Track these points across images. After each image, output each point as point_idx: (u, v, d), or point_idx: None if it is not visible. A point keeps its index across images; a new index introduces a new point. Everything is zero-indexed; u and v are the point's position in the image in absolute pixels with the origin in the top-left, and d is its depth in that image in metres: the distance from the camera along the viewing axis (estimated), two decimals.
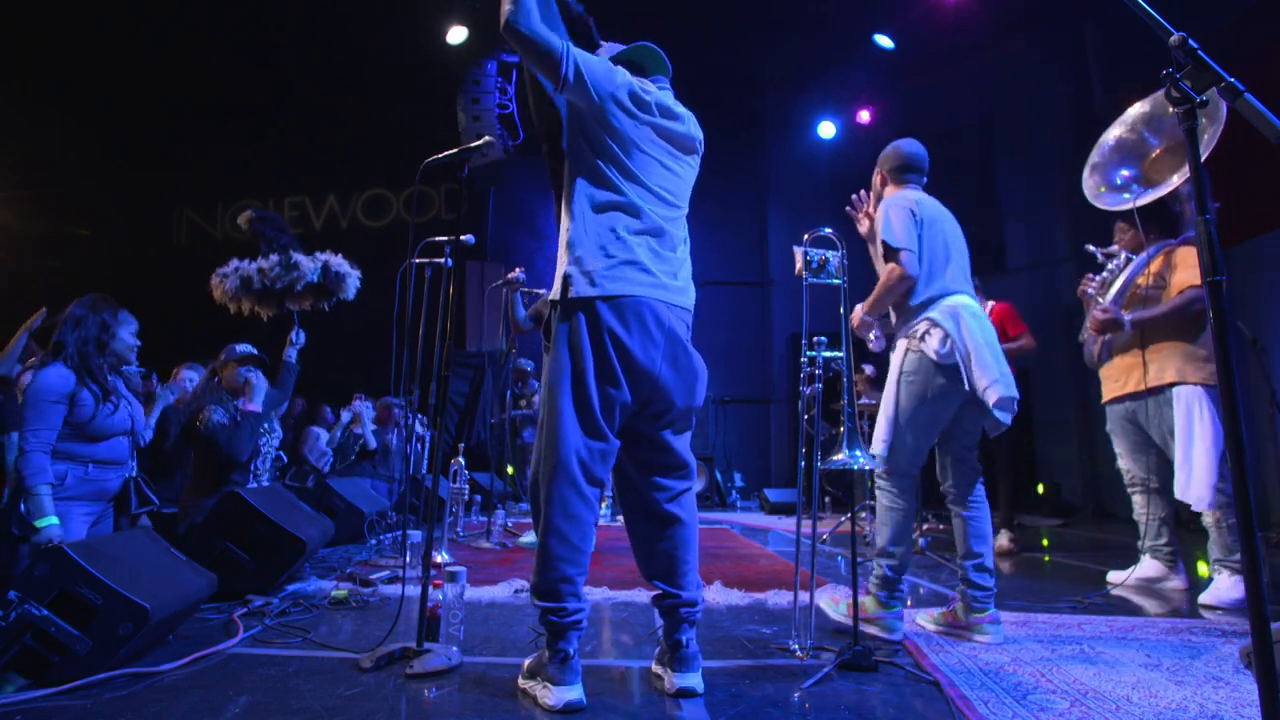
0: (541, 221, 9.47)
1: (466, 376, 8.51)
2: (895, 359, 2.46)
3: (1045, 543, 5.17)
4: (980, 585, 2.32)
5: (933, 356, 2.32)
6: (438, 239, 2.81)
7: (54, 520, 2.47)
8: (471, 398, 8.51)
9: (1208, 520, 2.94)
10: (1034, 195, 8.33)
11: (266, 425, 3.65)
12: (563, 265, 1.84)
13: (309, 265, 3.89)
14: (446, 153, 2.29)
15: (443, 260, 2.70)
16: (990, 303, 4.72)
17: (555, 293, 1.84)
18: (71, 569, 1.80)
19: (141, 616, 1.81)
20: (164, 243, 10.02)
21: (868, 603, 2.33)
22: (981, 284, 4.86)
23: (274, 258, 3.87)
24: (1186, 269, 3.12)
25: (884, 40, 8.20)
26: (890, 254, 2.39)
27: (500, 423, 6.21)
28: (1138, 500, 3.32)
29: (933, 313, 2.38)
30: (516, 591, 2.90)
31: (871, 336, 2.69)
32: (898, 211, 2.42)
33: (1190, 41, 1.03)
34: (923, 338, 2.36)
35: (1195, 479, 2.90)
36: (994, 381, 2.27)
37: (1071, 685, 1.86)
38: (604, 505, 6.56)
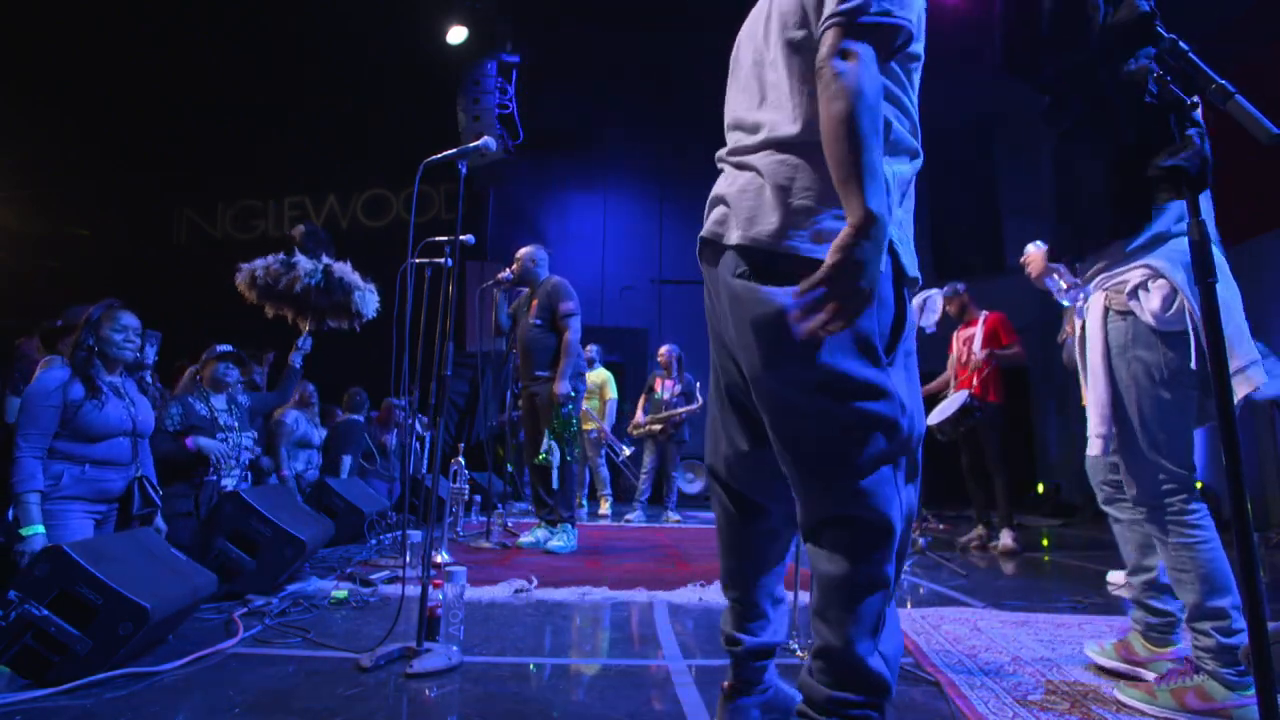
0: (541, 221, 9.45)
1: (466, 376, 8.52)
2: (1093, 322, 1.79)
3: (1045, 543, 5.18)
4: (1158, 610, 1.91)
5: (1150, 321, 1.67)
6: (438, 239, 2.81)
7: (39, 530, 2.43)
8: (471, 398, 8.52)
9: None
10: (1034, 195, 8.32)
11: (237, 423, 3.65)
12: None
13: (306, 265, 3.93)
14: (446, 153, 2.30)
15: (443, 260, 2.70)
16: (983, 313, 4.73)
17: None
18: (71, 569, 1.80)
19: (141, 616, 1.81)
20: (164, 243, 10.02)
21: (1213, 688, 1.60)
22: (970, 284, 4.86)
23: (280, 255, 3.95)
24: None
25: None
26: None
27: (501, 423, 6.21)
28: None
29: (1155, 257, 1.68)
30: (516, 591, 2.90)
31: (1063, 285, 2.03)
32: None
33: (1180, 44, 1.04)
34: (1134, 294, 1.70)
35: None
36: (1252, 362, 1.61)
37: (1071, 685, 1.86)
38: (606, 504, 6.55)
